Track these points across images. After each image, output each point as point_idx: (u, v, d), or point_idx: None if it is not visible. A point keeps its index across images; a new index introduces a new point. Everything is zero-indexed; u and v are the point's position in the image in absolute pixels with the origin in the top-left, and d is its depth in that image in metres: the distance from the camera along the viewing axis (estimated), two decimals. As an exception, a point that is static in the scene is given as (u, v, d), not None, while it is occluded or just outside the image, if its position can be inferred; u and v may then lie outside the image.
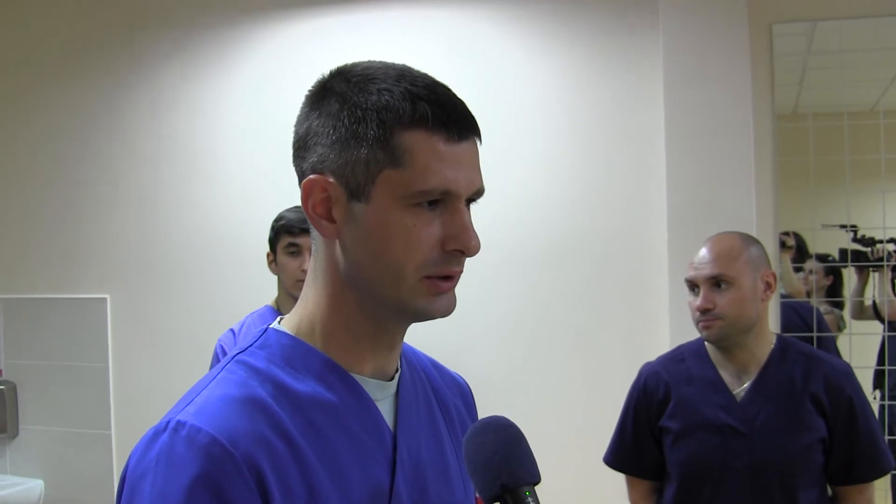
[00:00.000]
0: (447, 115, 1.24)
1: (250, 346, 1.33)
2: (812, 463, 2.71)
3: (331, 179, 1.26)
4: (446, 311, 1.30)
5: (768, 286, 2.79)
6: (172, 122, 4.96)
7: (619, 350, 4.28)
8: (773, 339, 2.84)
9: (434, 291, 1.27)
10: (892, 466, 2.79)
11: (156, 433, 1.20)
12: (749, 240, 2.86)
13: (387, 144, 1.22)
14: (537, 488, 1.19)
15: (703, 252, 2.80)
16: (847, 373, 2.81)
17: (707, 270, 2.75)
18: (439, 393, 1.52)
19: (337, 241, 1.29)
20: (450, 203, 1.25)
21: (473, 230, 1.27)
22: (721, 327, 2.72)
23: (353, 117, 1.24)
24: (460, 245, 1.26)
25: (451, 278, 1.29)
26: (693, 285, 2.79)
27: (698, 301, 2.75)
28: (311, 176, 1.28)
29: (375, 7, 4.65)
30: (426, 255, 1.24)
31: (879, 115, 4.18)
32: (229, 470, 1.14)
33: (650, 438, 2.92)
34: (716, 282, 2.73)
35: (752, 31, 4.07)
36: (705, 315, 2.73)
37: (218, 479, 1.14)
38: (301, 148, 1.31)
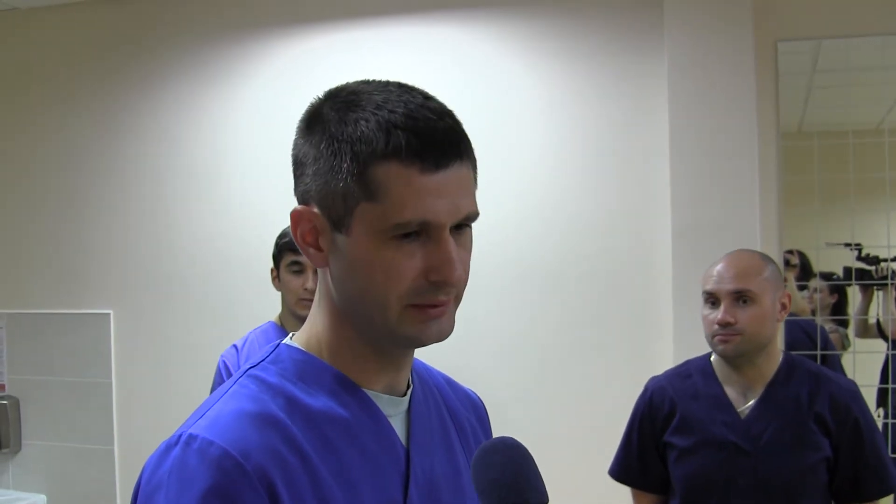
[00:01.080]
0: (422, 145, 1.20)
1: (262, 360, 1.32)
2: (816, 481, 2.71)
3: (315, 210, 1.26)
4: (438, 337, 1.28)
5: (783, 307, 2.79)
6: (178, 138, 4.96)
7: (624, 366, 4.27)
8: (780, 358, 2.83)
9: (422, 318, 1.25)
10: None
11: (168, 447, 1.19)
12: (768, 259, 2.86)
13: (361, 178, 1.20)
14: None
15: (724, 266, 2.79)
16: (853, 392, 2.80)
17: (732, 285, 2.73)
18: (453, 409, 1.51)
19: (327, 270, 1.30)
20: (432, 233, 1.23)
21: (457, 260, 1.24)
22: (739, 343, 2.71)
23: (331, 149, 1.23)
24: (442, 276, 1.23)
25: (440, 305, 1.26)
26: (713, 298, 2.77)
27: (719, 314, 2.72)
28: (298, 206, 1.29)
29: (381, 24, 4.67)
30: (408, 287, 1.23)
31: (884, 133, 4.18)
32: (241, 483, 1.14)
33: (655, 453, 2.92)
34: (739, 297, 2.72)
35: (757, 48, 4.07)
36: (725, 329, 2.71)
37: (230, 492, 1.13)
38: (294, 175, 1.31)
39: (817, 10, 4.15)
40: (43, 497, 5.09)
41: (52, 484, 5.11)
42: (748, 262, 2.79)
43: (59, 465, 5.09)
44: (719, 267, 2.80)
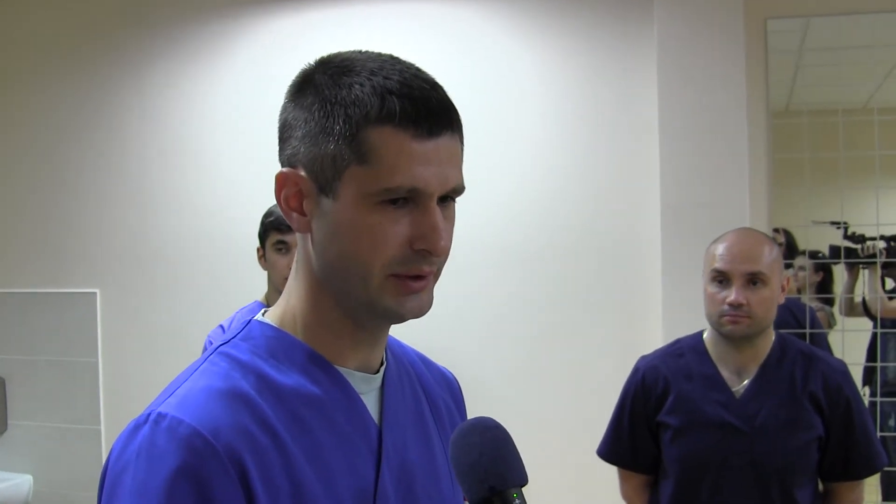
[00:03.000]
0: (417, 111, 1.20)
1: (233, 337, 1.31)
2: (809, 460, 2.72)
3: (302, 173, 1.25)
4: (418, 311, 1.27)
5: (782, 289, 2.77)
6: (162, 116, 4.94)
7: (612, 347, 4.27)
8: (773, 337, 2.82)
9: (403, 291, 1.24)
10: (885, 464, 2.81)
11: (137, 426, 1.18)
12: (773, 240, 2.84)
13: (353, 140, 1.20)
14: (525, 489, 1.18)
15: (736, 246, 2.74)
16: (844, 372, 2.81)
17: (747, 266, 2.69)
18: (427, 388, 1.50)
19: (309, 236, 1.28)
20: (420, 201, 1.22)
21: (443, 229, 1.24)
22: (748, 325, 2.69)
23: (323, 111, 1.22)
24: (427, 245, 1.22)
25: (422, 278, 1.25)
26: (723, 277, 2.72)
27: (731, 295, 2.68)
28: (284, 169, 1.27)
29: (369, 0, 4.64)
30: (392, 254, 1.22)
31: (874, 111, 4.18)
32: (211, 462, 1.13)
33: (647, 433, 2.91)
34: (752, 278, 2.69)
35: (746, 26, 4.06)
36: (737, 310, 2.68)
37: (199, 471, 1.12)
38: (280, 139, 1.30)
39: (807, -13, 4.14)
40: (29, 477, 5.08)
41: (38, 464, 5.11)
42: (759, 242, 2.75)
43: (46, 445, 5.09)
44: (729, 245, 2.75)
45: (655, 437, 2.90)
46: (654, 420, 2.88)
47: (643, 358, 3.01)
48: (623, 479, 3.04)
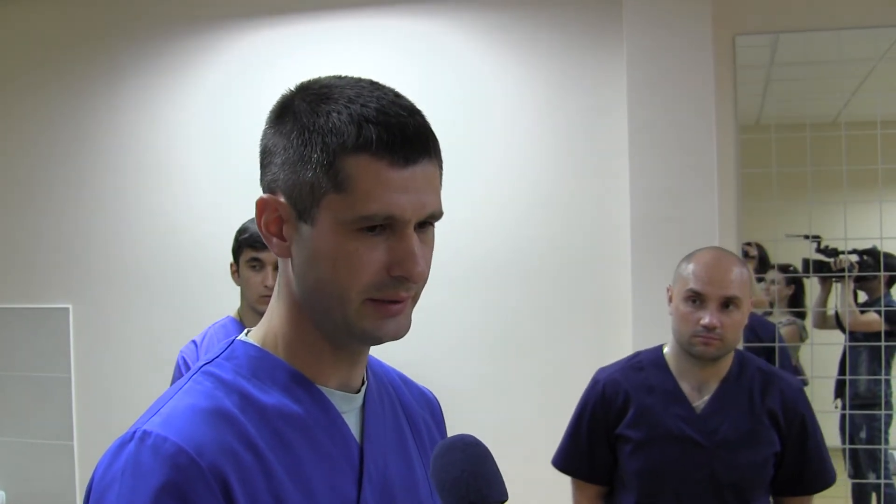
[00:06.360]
0: (393, 140, 1.21)
1: (217, 357, 1.32)
2: (765, 475, 2.76)
3: (282, 199, 1.26)
4: (395, 335, 1.28)
5: (747, 308, 2.79)
6: (136, 132, 4.93)
7: (584, 362, 4.26)
8: (732, 354, 2.85)
9: (381, 315, 1.26)
10: (835, 479, 2.84)
11: (122, 444, 1.19)
12: (743, 261, 2.84)
13: (330, 169, 1.21)
14: None
15: (713, 268, 2.74)
16: (801, 389, 2.87)
17: (725, 290, 2.69)
18: (408, 408, 1.51)
19: (289, 260, 1.30)
20: (397, 228, 1.23)
21: (420, 256, 1.25)
22: (719, 347, 2.70)
23: (301, 139, 1.23)
24: (404, 271, 1.23)
25: (399, 302, 1.27)
26: (697, 298, 2.72)
27: (706, 317, 2.68)
28: (264, 195, 1.28)
29: (342, 17, 4.65)
30: (369, 280, 1.23)
31: (841, 126, 4.22)
32: (195, 479, 1.14)
33: (604, 444, 2.92)
34: (726, 302, 2.70)
35: (715, 42, 4.10)
36: (710, 332, 2.69)
37: (184, 489, 1.13)
38: (262, 164, 1.31)
39: (775, 4, 4.18)
40: (1, 493, 5.05)
41: (10, 480, 5.07)
42: (732, 264, 2.75)
43: (18, 461, 5.05)
44: (705, 266, 2.75)
45: (613, 449, 2.92)
46: (614, 433, 2.90)
47: (602, 370, 3.02)
48: (577, 490, 3.04)
